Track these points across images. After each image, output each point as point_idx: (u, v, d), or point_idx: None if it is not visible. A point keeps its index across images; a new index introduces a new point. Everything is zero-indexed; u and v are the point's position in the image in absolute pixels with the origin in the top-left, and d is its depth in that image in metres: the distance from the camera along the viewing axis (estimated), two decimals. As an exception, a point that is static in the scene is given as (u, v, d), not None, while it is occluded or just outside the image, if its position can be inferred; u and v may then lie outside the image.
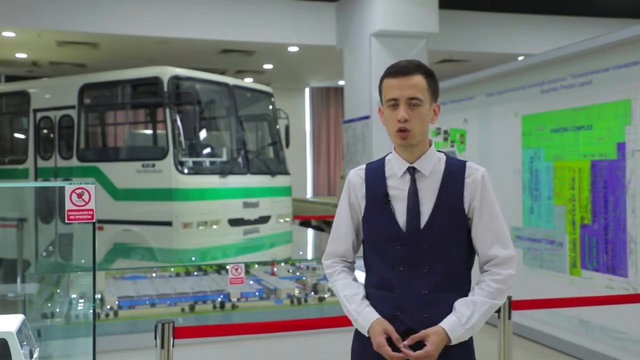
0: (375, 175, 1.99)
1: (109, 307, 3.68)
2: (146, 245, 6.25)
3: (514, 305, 2.96)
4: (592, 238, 4.65)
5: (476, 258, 1.98)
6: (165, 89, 6.83)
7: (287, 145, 8.42)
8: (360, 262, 2.08)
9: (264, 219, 7.48)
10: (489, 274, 1.90)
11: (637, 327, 4.25)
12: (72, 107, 7.58)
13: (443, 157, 1.97)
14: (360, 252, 2.09)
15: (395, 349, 1.82)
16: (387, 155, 2.03)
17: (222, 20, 8.88)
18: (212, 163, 7.17)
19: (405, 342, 1.82)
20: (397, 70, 1.88)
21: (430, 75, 1.91)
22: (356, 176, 2.03)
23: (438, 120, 1.99)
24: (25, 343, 1.83)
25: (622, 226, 4.36)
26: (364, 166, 2.05)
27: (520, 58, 7.70)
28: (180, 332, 2.59)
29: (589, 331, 4.69)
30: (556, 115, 5.07)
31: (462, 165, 1.95)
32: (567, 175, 4.91)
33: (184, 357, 2.82)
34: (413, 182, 1.92)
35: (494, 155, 5.92)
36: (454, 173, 1.93)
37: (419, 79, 1.88)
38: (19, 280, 6.10)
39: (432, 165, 1.93)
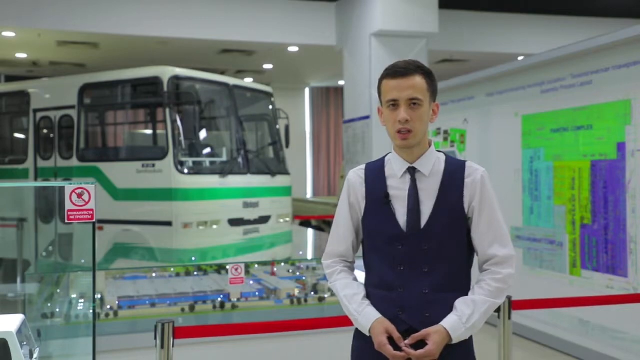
0: (375, 175, 1.99)
1: (109, 307, 3.68)
2: (146, 245, 6.25)
3: (514, 305, 2.96)
4: (592, 238, 4.65)
5: (476, 257, 1.98)
6: (165, 89, 6.84)
7: (287, 145, 8.42)
8: (360, 262, 2.09)
9: (264, 219, 7.48)
10: (489, 273, 1.90)
11: (637, 327, 4.24)
12: (72, 107, 7.58)
13: (443, 157, 1.97)
14: (360, 252, 2.09)
15: (397, 348, 1.82)
16: (386, 155, 2.03)
17: (222, 20, 8.88)
18: (212, 163, 7.17)
19: (407, 342, 1.82)
20: (396, 72, 1.88)
21: (429, 75, 1.91)
22: (356, 176, 2.03)
23: (438, 120, 1.99)
24: (25, 343, 1.82)
25: (622, 226, 4.36)
26: (363, 166, 2.05)
27: (520, 58, 7.71)
28: (180, 332, 2.59)
29: (589, 331, 4.69)
30: (556, 115, 5.07)
31: (461, 165, 1.95)
32: (567, 175, 4.91)
33: (184, 357, 2.82)
34: (413, 182, 1.92)
35: (494, 155, 5.92)
36: (454, 173, 1.93)
37: (418, 80, 1.88)
38: (19, 280, 6.10)
39: (432, 165, 1.93)
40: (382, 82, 1.93)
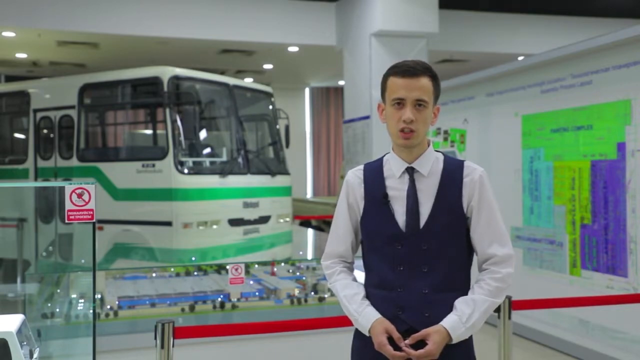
0: (374, 175, 1.99)
1: (109, 307, 3.68)
2: (146, 245, 6.25)
3: (514, 305, 2.96)
4: (592, 238, 4.65)
5: (475, 257, 1.98)
6: (165, 89, 6.83)
7: (287, 145, 8.42)
8: (359, 262, 2.09)
9: (264, 219, 7.48)
10: (488, 273, 1.90)
11: (637, 327, 4.25)
12: (72, 107, 7.58)
13: (441, 157, 1.97)
14: (359, 252, 2.09)
15: (397, 348, 1.82)
16: (384, 155, 2.03)
17: (222, 20, 8.88)
18: (212, 163, 7.17)
19: (407, 341, 1.82)
20: (406, 71, 1.88)
21: (435, 78, 1.92)
22: (354, 177, 2.03)
23: (438, 119, 1.99)
24: (25, 343, 1.83)
25: (622, 226, 4.36)
26: (362, 167, 2.05)
27: (520, 58, 7.71)
28: (180, 332, 2.59)
29: (589, 331, 4.69)
30: (556, 115, 5.07)
31: (460, 164, 1.96)
32: (567, 175, 4.92)
33: (184, 357, 2.82)
34: (412, 182, 1.92)
35: (494, 155, 5.92)
36: (453, 173, 1.93)
37: (425, 81, 1.88)
38: (19, 280, 6.10)
39: (431, 165, 1.93)
40: (389, 79, 1.92)
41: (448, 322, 1.83)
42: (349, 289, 1.97)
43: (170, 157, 6.68)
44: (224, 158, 7.23)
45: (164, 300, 3.81)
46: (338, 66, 9.51)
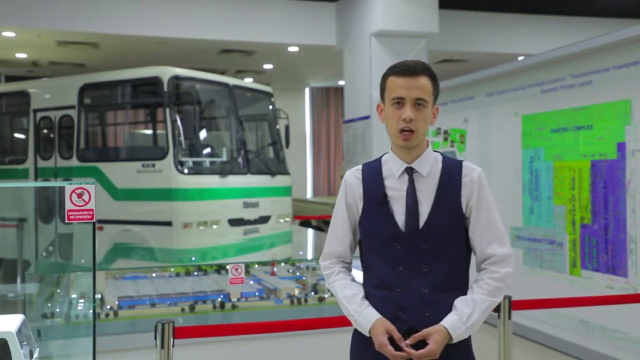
0: (373, 175, 1.99)
1: (109, 307, 3.68)
2: (146, 245, 6.25)
3: (514, 305, 2.96)
4: (592, 238, 4.65)
5: (473, 256, 1.99)
6: (165, 89, 6.84)
7: (287, 145, 8.42)
8: (356, 262, 2.08)
9: (264, 219, 7.48)
10: (487, 272, 1.91)
11: (637, 327, 4.25)
12: (72, 107, 7.58)
13: (440, 157, 1.98)
14: (357, 253, 2.08)
15: (397, 348, 1.82)
16: (383, 155, 2.03)
17: (222, 20, 8.88)
18: (212, 163, 7.17)
19: (408, 341, 1.82)
20: (405, 70, 1.88)
21: (434, 78, 1.92)
22: (353, 177, 2.03)
23: (438, 119, 2.00)
24: (25, 343, 1.83)
25: (622, 226, 4.36)
26: (360, 167, 2.05)
27: (520, 58, 7.70)
28: (180, 332, 2.60)
29: (589, 331, 4.69)
30: (556, 115, 5.07)
31: (458, 165, 1.96)
32: (567, 175, 4.92)
33: (184, 357, 2.82)
34: (411, 182, 1.92)
35: (494, 155, 5.92)
36: (451, 173, 1.94)
37: (425, 81, 1.88)
38: (19, 280, 6.09)
39: (430, 166, 1.94)
40: (388, 78, 1.93)
41: (448, 321, 1.83)
42: (348, 289, 1.97)
43: (170, 157, 6.68)
44: (224, 158, 7.23)
45: (164, 300, 3.81)
46: (338, 66, 9.51)
